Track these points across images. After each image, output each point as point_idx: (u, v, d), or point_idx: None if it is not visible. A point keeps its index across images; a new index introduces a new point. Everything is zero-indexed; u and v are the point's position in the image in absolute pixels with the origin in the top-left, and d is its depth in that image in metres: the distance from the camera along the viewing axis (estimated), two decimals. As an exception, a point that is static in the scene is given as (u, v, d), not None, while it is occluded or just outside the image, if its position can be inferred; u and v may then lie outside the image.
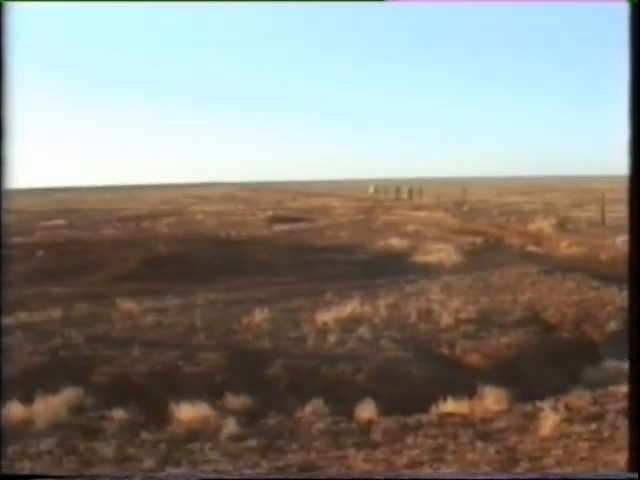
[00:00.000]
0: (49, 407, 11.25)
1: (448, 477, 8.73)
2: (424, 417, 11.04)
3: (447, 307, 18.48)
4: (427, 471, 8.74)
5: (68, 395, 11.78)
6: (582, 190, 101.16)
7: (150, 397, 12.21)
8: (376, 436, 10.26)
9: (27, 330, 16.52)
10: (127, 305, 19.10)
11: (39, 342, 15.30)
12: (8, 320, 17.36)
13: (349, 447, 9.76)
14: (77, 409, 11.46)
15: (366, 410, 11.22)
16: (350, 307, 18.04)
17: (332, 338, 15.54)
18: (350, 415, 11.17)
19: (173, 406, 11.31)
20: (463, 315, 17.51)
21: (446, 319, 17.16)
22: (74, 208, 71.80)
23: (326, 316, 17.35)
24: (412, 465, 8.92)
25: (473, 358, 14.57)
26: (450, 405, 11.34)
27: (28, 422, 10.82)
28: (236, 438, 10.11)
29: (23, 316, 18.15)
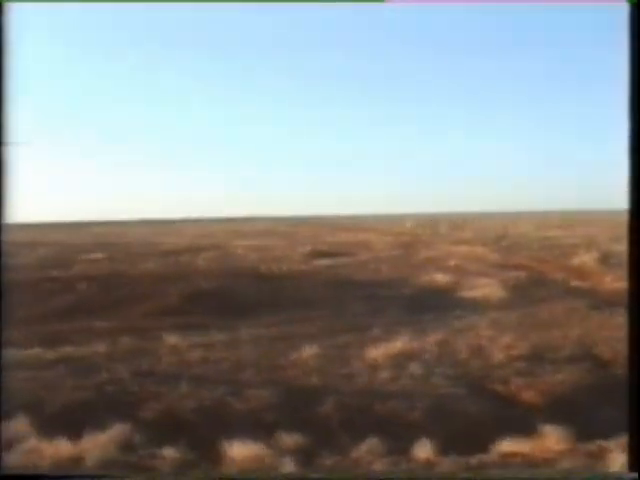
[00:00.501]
0: (97, 444, 10.95)
1: (448, 477, 8.49)
2: (485, 457, 10.66)
3: (498, 343, 18.08)
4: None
5: (116, 432, 11.48)
6: (621, 224, 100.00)
7: (200, 434, 11.87)
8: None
9: (71, 364, 16.28)
10: (172, 340, 18.84)
11: (84, 377, 15.02)
12: (51, 354, 17.25)
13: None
14: (126, 446, 11.15)
15: (423, 449, 10.87)
16: (399, 343, 17.67)
17: (383, 374, 15.18)
18: (407, 454, 10.83)
19: (224, 444, 11.02)
20: (514, 352, 17.11)
21: (497, 355, 16.80)
22: (112, 242, 71.73)
23: (375, 352, 17.01)
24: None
25: (528, 395, 14.15)
26: (510, 444, 10.97)
27: (77, 460, 10.52)
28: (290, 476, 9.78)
29: (66, 350, 17.93)
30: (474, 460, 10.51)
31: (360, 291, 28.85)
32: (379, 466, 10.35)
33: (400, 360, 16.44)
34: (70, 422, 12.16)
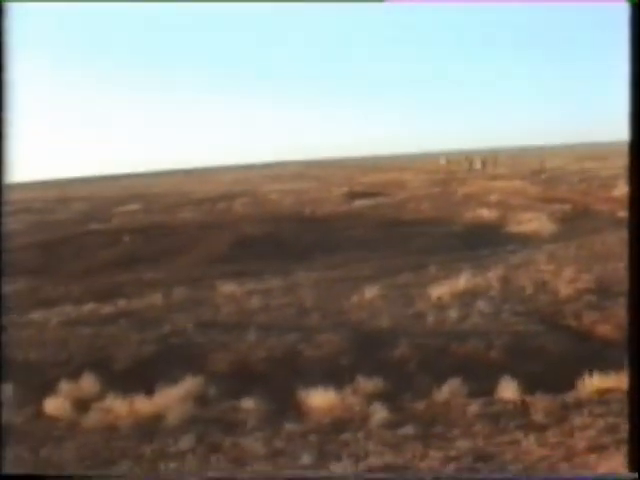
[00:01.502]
0: (173, 399, 10.53)
1: (448, 477, 8.02)
2: (581, 394, 10.20)
3: (561, 277, 17.60)
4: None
5: (189, 385, 11.04)
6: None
7: (276, 384, 11.49)
8: (538, 417, 9.41)
9: (130, 318, 15.90)
10: (228, 288, 18.46)
11: (146, 330, 14.64)
12: (107, 308, 16.91)
13: (514, 431, 8.92)
14: (202, 400, 10.72)
15: (509, 389, 10.42)
16: (462, 280, 17.22)
17: (452, 313, 14.69)
18: (492, 394, 10.39)
19: (302, 393, 10.62)
20: (580, 285, 16.59)
21: (564, 290, 16.29)
22: (144, 193, 71.42)
23: (439, 290, 16.58)
24: (594, 448, 8.06)
25: (604, 329, 13.65)
26: (599, 380, 10.49)
27: (156, 417, 10.12)
28: (388, 426, 9.31)
29: (122, 304, 17.60)
30: (570, 398, 10.04)
31: (408, 230, 28.39)
32: (475, 408, 9.85)
33: (465, 298, 16.01)
34: (141, 377, 11.82)
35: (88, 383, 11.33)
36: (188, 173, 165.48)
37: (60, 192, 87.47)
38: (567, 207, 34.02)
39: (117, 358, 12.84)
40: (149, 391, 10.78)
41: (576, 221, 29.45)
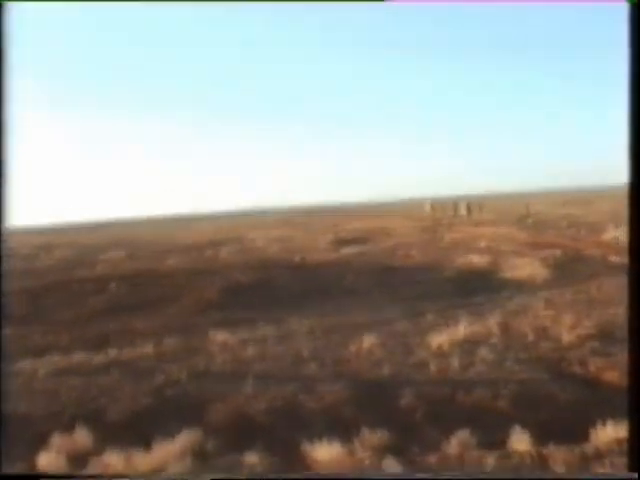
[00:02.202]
0: (171, 454, 10.08)
1: (448, 477, 8.26)
2: (599, 444, 9.80)
3: (561, 323, 17.31)
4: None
5: (187, 439, 10.60)
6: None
7: (277, 437, 11.02)
8: (559, 469, 9.01)
9: (122, 368, 15.45)
10: (221, 336, 18.02)
11: (140, 381, 14.18)
12: (98, 358, 16.48)
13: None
14: (202, 454, 10.28)
15: (521, 440, 10.01)
16: (462, 328, 16.86)
17: (454, 362, 14.30)
18: (503, 446, 9.98)
19: (306, 446, 10.19)
20: (582, 331, 16.29)
21: (567, 336, 15.97)
22: (129, 240, 70.99)
23: (439, 339, 16.21)
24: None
25: (612, 376, 13.29)
26: (612, 430, 10.11)
27: (154, 471, 9.65)
28: (400, 480, 8.89)
29: (113, 353, 17.13)
30: (590, 449, 9.64)
31: (400, 277, 28.09)
32: (489, 461, 9.43)
33: (467, 346, 15.67)
34: (136, 430, 11.39)
35: (82, 436, 10.86)
36: (170, 221, 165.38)
37: (44, 239, 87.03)
38: (558, 252, 33.80)
39: (111, 410, 12.37)
40: (146, 445, 10.32)
41: (568, 266, 29.21)
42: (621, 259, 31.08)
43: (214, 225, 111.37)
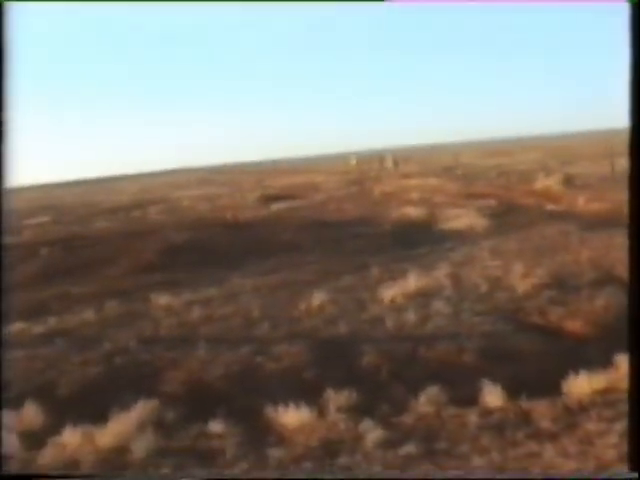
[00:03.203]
0: (130, 427, 9.46)
1: (448, 477, 7.65)
2: (580, 397, 9.45)
3: (512, 272, 17.05)
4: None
5: (145, 411, 9.99)
6: (555, 148, 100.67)
7: (240, 403, 10.45)
8: (546, 424, 8.62)
9: (65, 337, 14.75)
10: (163, 299, 17.34)
11: (86, 349, 13.50)
12: (38, 328, 15.76)
13: (528, 441, 8.12)
14: (162, 426, 9.68)
15: (493, 395, 9.64)
16: (412, 281, 16.47)
17: (410, 316, 13.90)
18: (475, 402, 9.59)
19: (271, 411, 9.68)
20: (535, 280, 16.02)
21: (521, 285, 15.69)
22: (51, 204, 69.36)
23: (390, 292, 15.80)
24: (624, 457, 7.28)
25: (575, 325, 13.01)
26: (585, 380, 9.76)
27: (119, 450, 8.99)
28: (384, 445, 8.38)
29: (53, 321, 16.41)
30: (571, 402, 9.29)
31: (336, 231, 27.57)
32: (472, 419, 9.00)
33: (419, 299, 15.32)
34: (90, 403, 10.77)
35: (33, 414, 10.19)
36: (90, 182, 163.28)
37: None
38: (492, 202, 33.63)
39: (60, 383, 11.71)
40: (102, 419, 9.68)
41: (506, 216, 29.01)
42: (557, 207, 31.10)
43: (135, 186, 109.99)
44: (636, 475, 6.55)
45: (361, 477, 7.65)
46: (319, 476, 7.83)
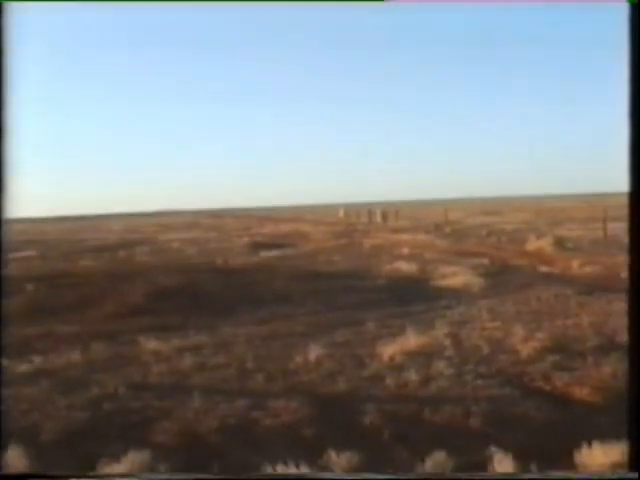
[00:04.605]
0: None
1: (448, 477, 8.07)
2: (592, 468, 9.01)
3: (513, 335, 16.65)
4: None
5: (135, 461, 9.49)
6: (545, 210, 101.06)
7: (236, 459, 9.93)
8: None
9: (50, 378, 14.21)
10: (152, 344, 16.84)
11: (72, 393, 12.99)
12: (23, 366, 15.26)
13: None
14: (154, 480, 9.17)
15: (505, 464, 9.17)
16: (411, 339, 16.04)
17: (411, 376, 13.44)
18: (486, 471, 9.11)
19: (269, 470, 9.17)
20: (536, 344, 15.59)
21: (523, 349, 15.26)
22: (37, 239, 68.96)
23: (389, 350, 15.34)
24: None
25: (583, 392, 12.52)
26: (600, 452, 9.31)
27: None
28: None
29: (38, 361, 15.88)
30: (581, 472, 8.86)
31: (328, 283, 27.17)
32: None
33: (419, 358, 14.86)
34: (75, 451, 10.22)
35: (17, 459, 9.65)
36: (75, 219, 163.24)
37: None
38: (485, 261, 33.45)
39: (45, 427, 11.17)
40: (89, 469, 9.18)
41: (500, 276, 28.70)
42: (551, 269, 30.83)
43: (121, 225, 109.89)
44: (636, 475, 6.66)
45: (358, 477, 7.86)
46: (318, 476, 7.93)
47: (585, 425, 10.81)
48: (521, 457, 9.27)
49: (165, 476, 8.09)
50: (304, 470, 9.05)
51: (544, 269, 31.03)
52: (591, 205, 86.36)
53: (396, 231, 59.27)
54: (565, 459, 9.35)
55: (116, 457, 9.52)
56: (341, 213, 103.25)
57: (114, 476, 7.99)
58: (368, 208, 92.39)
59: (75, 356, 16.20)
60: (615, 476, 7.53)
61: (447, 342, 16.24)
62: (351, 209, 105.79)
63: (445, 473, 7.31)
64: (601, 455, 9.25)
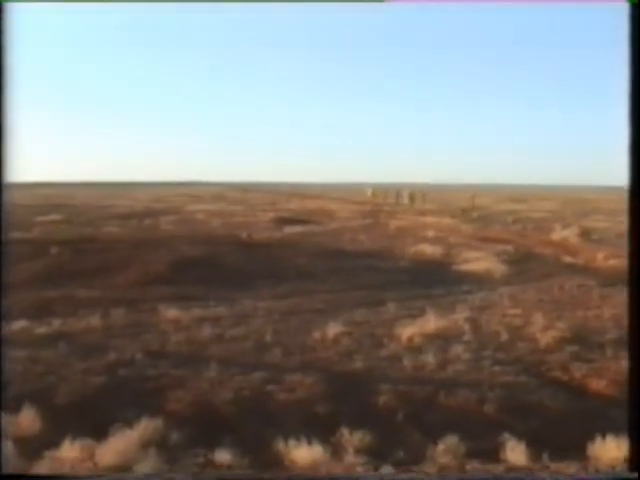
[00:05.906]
0: (131, 446, 8.93)
1: (448, 477, 7.90)
2: (606, 460, 8.95)
3: (533, 323, 16.58)
4: None
5: (147, 429, 9.47)
6: (573, 200, 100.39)
7: (249, 432, 9.93)
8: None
9: (68, 341, 14.28)
10: (172, 313, 16.93)
11: (89, 357, 13.05)
12: (41, 328, 15.28)
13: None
14: (166, 448, 9.15)
15: (517, 452, 9.12)
16: (431, 321, 15.98)
17: (429, 358, 13.39)
18: (496, 457, 9.07)
19: (281, 445, 9.15)
20: (556, 333, 15.47)
21: (543, 338, 15.16)
22: (65, 203, 69.45)
23: (408, 331, 15.30)
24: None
25: (600, 385, 12.44)
26: (621, 445, 9.22)
27: (120, 469, 8.49)
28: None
29: (56, 323, 15.97)
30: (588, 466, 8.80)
31: (351, 262, 27.16)
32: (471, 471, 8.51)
33: (439, 341, 14.83)
34: (90, 416, 10.24)
35: (30, 420, 9.67)
36: (103, 186, 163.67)
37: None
38: (509, 248, 33.19)
39: (60, 390, 11.20)
40: (102, 434, 9.18)
41: (523, 263, 28.58)
42: (575, 260, 30.61)
43: (148, 194, 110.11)
44: (636, 475, 6.63)
45: (358, 477, 7.66)
46: (318, 476, 7.83)
47: (600, 418, 10.72)
48: (534, 446, 9.22)
49: (167, 475, 8.02)
50: (316, 446, 9.03)
51: (568, 259, 30.78)
52: (620, 197, 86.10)
53: (422, 214, 59.03)
54: (578, 451, 9.28)
55: (129, 423, 9.54)
56: (369, 193, 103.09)
57: (114, 476, 7.93)
58: (396, 189, 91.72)
59: (95, 321, 16.27)
60: (615, 476, 7.36)
61: (466, 327, 16.18)
62: (379, 190, 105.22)
63: (453, 467, 7.23)
64: (614, 449, 9.18)
